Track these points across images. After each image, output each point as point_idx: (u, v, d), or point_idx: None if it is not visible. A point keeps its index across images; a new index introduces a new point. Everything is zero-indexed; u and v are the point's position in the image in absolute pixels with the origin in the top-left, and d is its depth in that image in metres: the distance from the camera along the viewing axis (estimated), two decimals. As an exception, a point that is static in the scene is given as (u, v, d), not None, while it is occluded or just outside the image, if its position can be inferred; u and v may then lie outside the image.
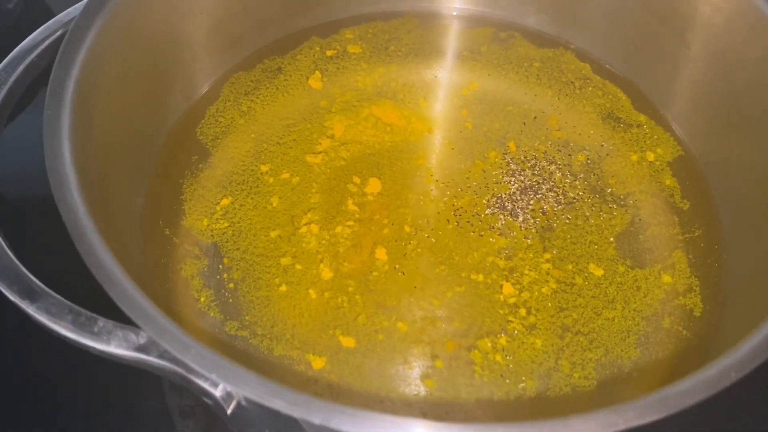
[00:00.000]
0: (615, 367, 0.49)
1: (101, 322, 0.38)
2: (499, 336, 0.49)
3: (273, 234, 0.53)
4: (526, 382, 0.47)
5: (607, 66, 0.65)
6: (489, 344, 0.49)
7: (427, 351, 0.49)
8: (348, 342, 0.49)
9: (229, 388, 0.36)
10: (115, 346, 0.37)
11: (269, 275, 0.51)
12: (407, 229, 0.54)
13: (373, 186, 0.56)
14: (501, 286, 0.51)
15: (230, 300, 0.50)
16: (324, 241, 0.53)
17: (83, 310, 0.38)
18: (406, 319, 0.50)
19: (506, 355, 0.48)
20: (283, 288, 0.50)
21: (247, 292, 0.51)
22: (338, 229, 0.53)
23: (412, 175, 0.57)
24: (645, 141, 0.60)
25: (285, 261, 0.52)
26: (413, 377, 0.48)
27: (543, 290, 0.51)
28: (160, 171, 0.56)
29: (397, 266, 0.52)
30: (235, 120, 0.60)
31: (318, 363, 0.48)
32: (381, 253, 0.52)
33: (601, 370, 0.48)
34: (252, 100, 0.61)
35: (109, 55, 0.49)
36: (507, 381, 0.47)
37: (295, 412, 0.32)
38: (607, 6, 0.62)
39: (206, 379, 0.36)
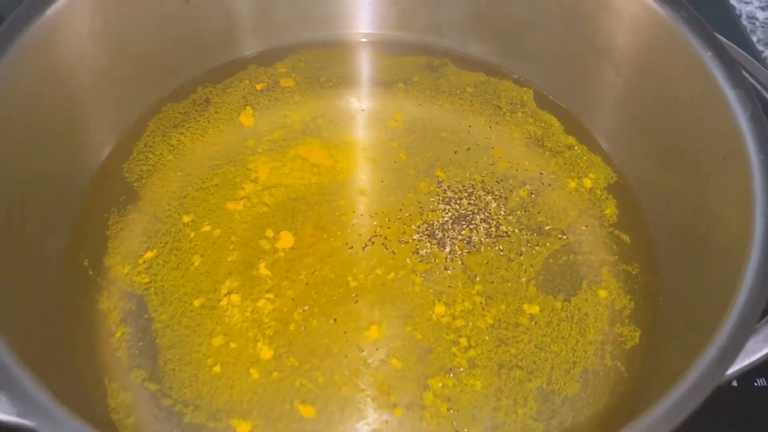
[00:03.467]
0: (557, 399, 0.48)
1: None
2: (447, 375, 0.48)
3: (196, 303, 0.51)
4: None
5: (548, 95, 0.64)
6: (439, 384, 0.47)
7: (385, 399, 0.47)
8: (308, 412, 0.46)
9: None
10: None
11: (200, 354, 0.48)
12: (323, 286, 0.51)
13: (285, 241, 0.54)
14: (433, 303, 0.51)
15: (152, 346, 0.49)
16: (248, 315, 0.50)
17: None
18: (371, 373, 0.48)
19: (450, 408, 0.47)
20: (217, 369, 0.48)
21: (169, 359, 0.48)
22: (260, 303, 0.51)
23: (336, 216, 0.55)
24: (580, 165, 0.59)
25: (217, 341, 0.49)
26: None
27: (479, 324, 0.50)
28: (86, 208, 0.55)
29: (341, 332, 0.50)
30: (164, 156, 0.58)
31: (244, 428, 0.46)
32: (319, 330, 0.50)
33: (543, 403, 0.47)
34: (182, 133, 0.60)
35: (17, 93, 0.47)
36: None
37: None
38: (551, 38, 0.62)
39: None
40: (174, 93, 0.62)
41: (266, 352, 0.49)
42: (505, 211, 0.56)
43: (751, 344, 0.38)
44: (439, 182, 0.58)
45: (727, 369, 0.36)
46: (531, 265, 0.54)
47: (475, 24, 0.65)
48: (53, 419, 0.34)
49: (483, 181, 0.58)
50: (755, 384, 0.53)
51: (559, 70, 0.63)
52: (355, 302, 0.51)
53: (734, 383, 0.53)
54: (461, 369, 0.48)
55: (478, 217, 0.56)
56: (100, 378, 0.47)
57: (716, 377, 0.36)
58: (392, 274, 0.52)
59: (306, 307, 0.51)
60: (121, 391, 0.47)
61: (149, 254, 0.53)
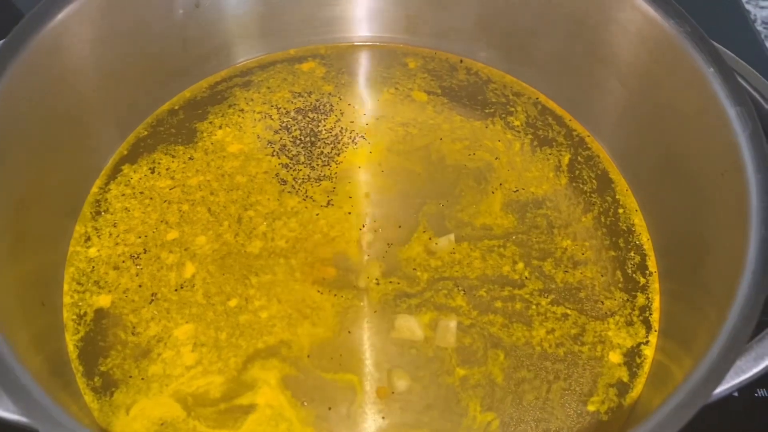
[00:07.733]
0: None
1: (-13, 385, 0.37)
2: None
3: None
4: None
5: (554, 103, 0.64)
6: None
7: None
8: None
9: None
10: (3, 410, 0.36)
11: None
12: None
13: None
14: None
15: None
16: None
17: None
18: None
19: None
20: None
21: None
22: None
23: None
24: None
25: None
26: None
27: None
28: (90, 210, 0.56)
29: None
30: (165, 162, 0.59)
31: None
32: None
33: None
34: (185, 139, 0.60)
35: (26, 94, 0.48)
36: None
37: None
38: (556, 47, 0.62)
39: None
40: (179, 97, 0.63)
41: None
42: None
43: (741, 363, 0.38)
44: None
45: (715, 388, 0.37)
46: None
47: (481, 30, 0.65)
48: (52, 420, 0.34)
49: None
50: (756, 395, 0.53)
51: (564, 78, 0.63)
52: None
53: (735, 393, 0.52)
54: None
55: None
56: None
57: (704, 395, 0.36)
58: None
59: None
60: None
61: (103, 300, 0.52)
